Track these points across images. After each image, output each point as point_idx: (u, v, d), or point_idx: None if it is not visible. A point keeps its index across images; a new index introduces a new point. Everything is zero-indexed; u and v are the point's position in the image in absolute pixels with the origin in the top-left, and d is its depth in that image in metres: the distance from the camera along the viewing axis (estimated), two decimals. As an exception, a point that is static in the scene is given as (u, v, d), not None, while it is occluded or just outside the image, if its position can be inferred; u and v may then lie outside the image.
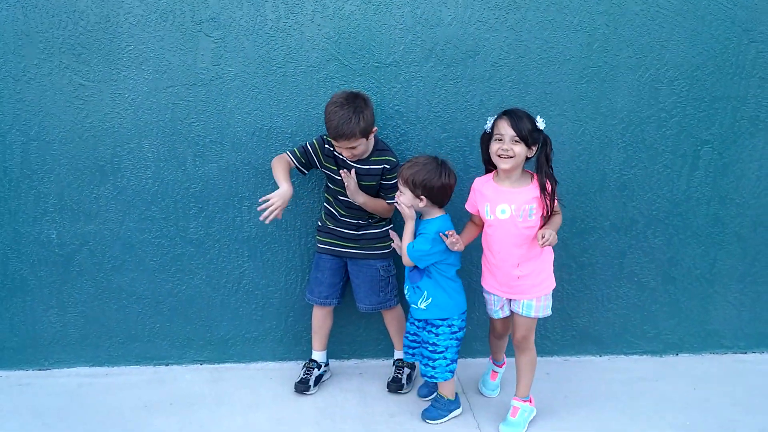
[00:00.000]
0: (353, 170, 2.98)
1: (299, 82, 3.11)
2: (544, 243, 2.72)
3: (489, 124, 2.83)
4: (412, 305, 2.96)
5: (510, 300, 2.94)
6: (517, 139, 2.72)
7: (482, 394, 3.24)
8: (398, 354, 3.32)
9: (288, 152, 3.04)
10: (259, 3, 3.01)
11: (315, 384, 3.21)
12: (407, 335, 3.08)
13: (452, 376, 2.98)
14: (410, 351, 3.08)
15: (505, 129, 2.74)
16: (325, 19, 3.05)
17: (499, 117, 2.79)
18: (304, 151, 3.04)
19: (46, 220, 3.16)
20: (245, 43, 3.04)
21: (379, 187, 3.06)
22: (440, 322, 2.93)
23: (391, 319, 3.27)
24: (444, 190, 2.83)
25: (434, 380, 2.97)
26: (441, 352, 2.94)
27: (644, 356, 3.60)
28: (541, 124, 2.77)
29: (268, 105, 3.12)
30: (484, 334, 3.32)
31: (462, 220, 3.07)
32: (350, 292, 3.26)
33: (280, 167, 2.98)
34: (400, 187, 2.85)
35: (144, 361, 3.38)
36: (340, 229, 3.13)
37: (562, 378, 3.37)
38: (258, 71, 3.08)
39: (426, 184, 2.79)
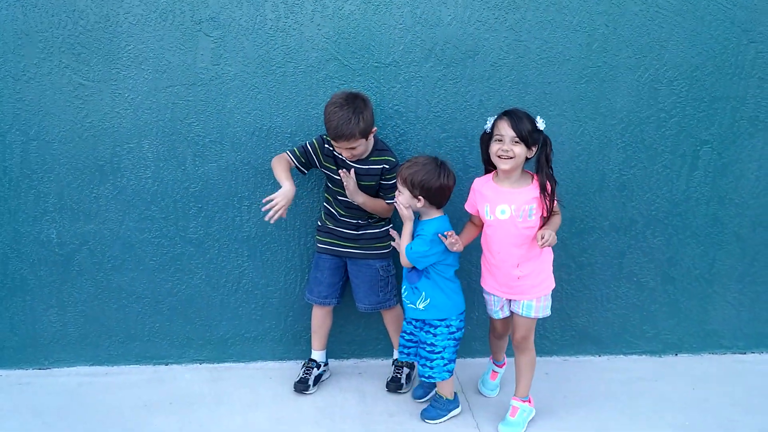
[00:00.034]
0: (352, 170, 2.98)
1: (299, 82, 3.11)
2: (543, 244, 2.72)
3: (489, 125, 2.82)
4: (411, 305, 2.95)
5: (510, 300, 2.94)
6: (517, 139, 2.72)
7: (481, 394, 3.24)
8: (397, 354, 3.31)
9: (288, 152, 3.04)
10: (258, 3, 3.01)
11: (314, 383, 3.21)
12: (403, 334, 3.07)
13: (450, 375, 2.98)
14: (405, 350, 3.07)
15: (506, 130, 2.74)
16: (325, 18, 3.05)
17: (499, 117, 2.79)
18: (304, 150, 3.04)
19: (46, 219, 3.16)
20: (245, 43, 3.04)
21: (379, 187, 3.06)
22: (438, 323, 2.93)
23: (391, 318, 3.27)
24: (442, 191, 2.83)
25: (432, 380, 2.97)
26: (439, 353, 2.94)
27: (643, 356, 3.61)
28: (541, 124, 2.77)
29: (267, 105, 3.12)
30: (484, 334, 3.32)
31: (461, 220, 3.07)
32: (350, 292, 3.26)
33: (281, 166, 2.98)
34: (399, 186, 2.85)
35: (144, 360, 3.38)
36: (340, 228, 3.13)
37: (561, 378, 3.38)
38: (257, 71, 3.08)
39: (424, 185, 2.78)
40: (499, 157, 2.76)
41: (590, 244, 3.43)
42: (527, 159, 2.79)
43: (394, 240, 3.04)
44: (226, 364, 3.42)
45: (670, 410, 3.15)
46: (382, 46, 3.10)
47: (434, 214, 2.88)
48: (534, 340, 2.99)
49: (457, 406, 3.07)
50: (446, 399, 3.03)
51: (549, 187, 2.77)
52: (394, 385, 3.21)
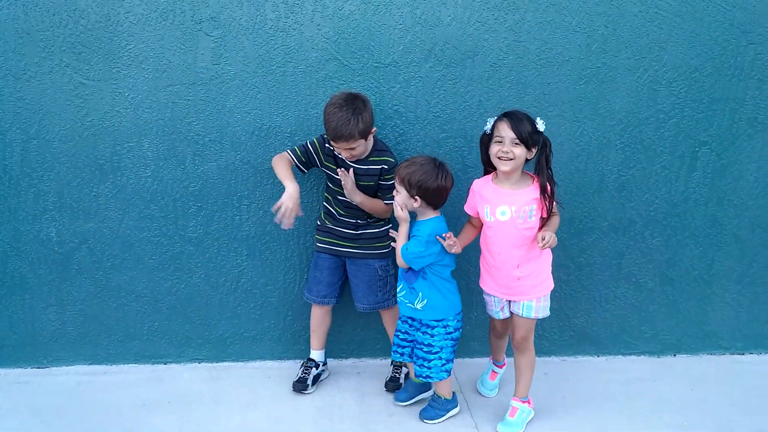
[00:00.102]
0: (351, 170, 2.98)
1: (299, 82, 3.11)
2: (544, 245, 2.72)
3: (489, 126, 2.83)
4: (408, 304, 2.94)
5: (510, 301, 2.94)
6: (517, 141, 2.72)
7: (480, 394, 3.24)
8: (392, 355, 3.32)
9: (288, 151, 3.05)
10: (258, 2, 3.01)
11: (313, 383, 3.21)
12: (398, 333, 3.05)
13: (448, 375, 2.98)
14: (400, 350, 3.06)
15: (506, 131, 2.74)
16: (325, 18, 3.06)
17: (499, 119, 2.79)
18: (305, 149, 3.04)
19: (46, 218, 3.16)
20: (245, 43, 3.05)
21: (378, 187, 3.06)
22: (435, 323, 2.92)
23: (389, 318, 3.27)
24: (439, 192, 2.82)
25: (430, 380, 2.97)
26: (436, 353, 2.93)
27: (642, 357, 3.61)
28: (541, 125, 2.77)
29: (267, 104, 3.13)
30: (483, 334, 3.33)
31: (460, 220, 3.07)
32: (349, 292, 3.26)
33: (283, 166, 2.97)
34: (396, 185, 2.84)
35: (142, 359, 3.38)
36: (339, 228, 3.14)
37: (560, 378, 3.38)
38: (257, 70, 3.08)
39: (422, 185, 2.78)
40: (499, 158, 2.76)
41: (589, 245, 3.44)
42: (527, 160, 2.80)
43: (394, 240, 3.04)
44: (225, 364, 3.42)
45: (668, 411, 3.15)
46: (382, 46, 3.10)
47: (430, 215, 2.87)
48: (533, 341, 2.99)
49: (456, 406, 3.07)
50: (445, 399, 3.03)
51: (549, 189, 2.78)
52: (392, 385, 3.22)
